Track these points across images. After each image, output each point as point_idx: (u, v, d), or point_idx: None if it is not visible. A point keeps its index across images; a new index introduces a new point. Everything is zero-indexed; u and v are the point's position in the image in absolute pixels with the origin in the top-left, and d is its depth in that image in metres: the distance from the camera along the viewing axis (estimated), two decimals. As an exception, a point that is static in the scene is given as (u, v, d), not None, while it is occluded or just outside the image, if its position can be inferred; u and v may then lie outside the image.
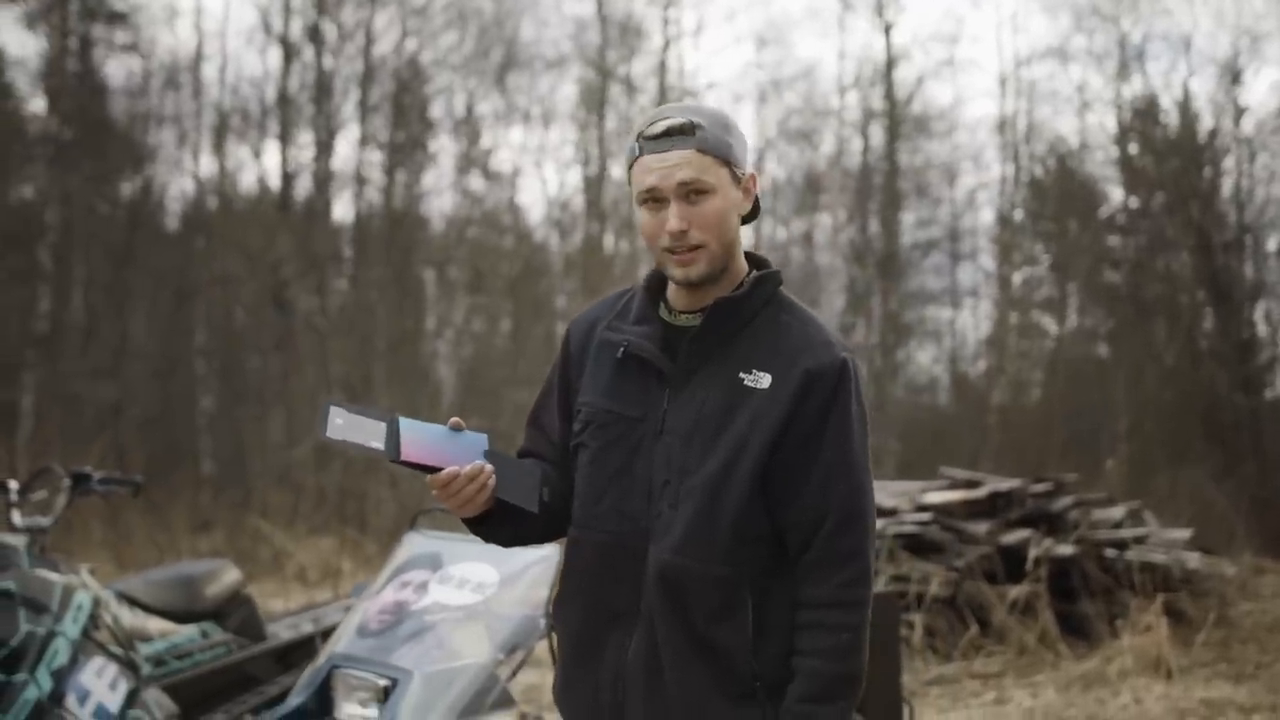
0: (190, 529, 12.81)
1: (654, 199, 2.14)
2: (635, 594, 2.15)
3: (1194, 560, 8.91)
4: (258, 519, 12.67)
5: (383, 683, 3.09)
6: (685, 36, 23.12)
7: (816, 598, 2.11)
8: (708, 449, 2.12)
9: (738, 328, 2.18)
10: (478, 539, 3.60)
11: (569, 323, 2.38)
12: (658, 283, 2.28)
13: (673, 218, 2.11)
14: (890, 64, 21.61)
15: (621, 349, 2.21)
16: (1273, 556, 12.62)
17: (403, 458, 2.03)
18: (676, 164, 2.11)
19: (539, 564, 3.35)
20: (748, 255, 2.27)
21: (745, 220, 2.25)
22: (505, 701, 3.17)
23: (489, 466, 2.09)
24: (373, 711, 3.09)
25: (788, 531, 2.14)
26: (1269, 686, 7.14)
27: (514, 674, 3.29)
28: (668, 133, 2.12)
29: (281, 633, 5.11)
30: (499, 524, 2.21)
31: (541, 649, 3.38)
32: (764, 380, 2.13)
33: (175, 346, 18.91)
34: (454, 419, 2.13)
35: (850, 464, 2.13)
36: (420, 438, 2.07)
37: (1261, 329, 19.49)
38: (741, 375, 2.14)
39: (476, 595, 3.29)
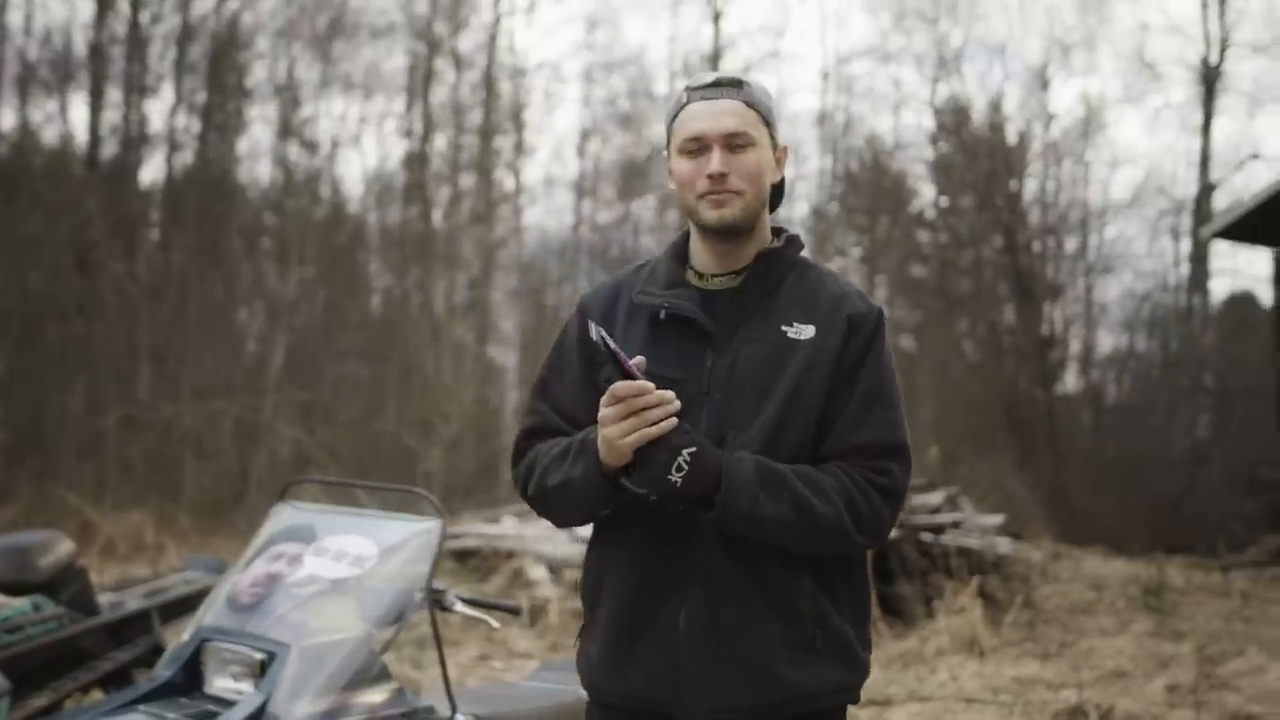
0: (-17, 499, 12.22)
1: (698, 147, 2.17)
2: (689, 555, 2.15)
3: (1004, 545, 9.31)
4: (62, 490, 12.15)
5: (258, 656, 3.00)
6: (517, 13, 22.95)
7: (847, 469, 2.15)
8: (761, 401, 2.15)
9: (775, 284, 2.24)
10: (352, 512, 3.57)
11: (581, 297, 2.38)
12: (683, 250, 2.32)
13: (715, 161, 2.16)
14: (717, 53, 21.89)
15: (663, 311, 2.21)
16: (1068, 542, 13.29)
17: (616, 349, 2.00)
18: (725, 111, 2.17)
19: (419, 537, 3.30)
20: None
21: (775, 195, 2.31)
22: (383, 676, 3.12)
23: (677, 403, 2.02)
24: (247, 685, 3.00)
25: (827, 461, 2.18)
26: (1072, 665, 7.51)
27: (386, 648, 3.25)
28: (718, 83, 2.19)
29: (114, 606, 4.94)
30: (621, 491, 2.11)
31: (419, 622, 3.35)
32: (807, 331, 2.19)
33: (-35, 307, 17.92)
34: (639, 357, 2.06)
35: (886, 396, 2.20)
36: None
37: (1058, 326, 20.45)
38: (784, 328, 2.20)
39: (355, 568, 3.22)
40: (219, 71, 19.23)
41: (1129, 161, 31.28)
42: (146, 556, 10.40)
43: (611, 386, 2.01)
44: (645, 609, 2.19)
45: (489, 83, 21.09)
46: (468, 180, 21.26)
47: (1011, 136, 20.50)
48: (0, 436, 16.79)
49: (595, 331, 2.00)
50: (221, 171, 19.74)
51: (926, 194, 22.36)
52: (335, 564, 3.25)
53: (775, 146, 2.25)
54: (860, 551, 2.23)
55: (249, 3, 19.64)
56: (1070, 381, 21.17)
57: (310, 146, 20.65)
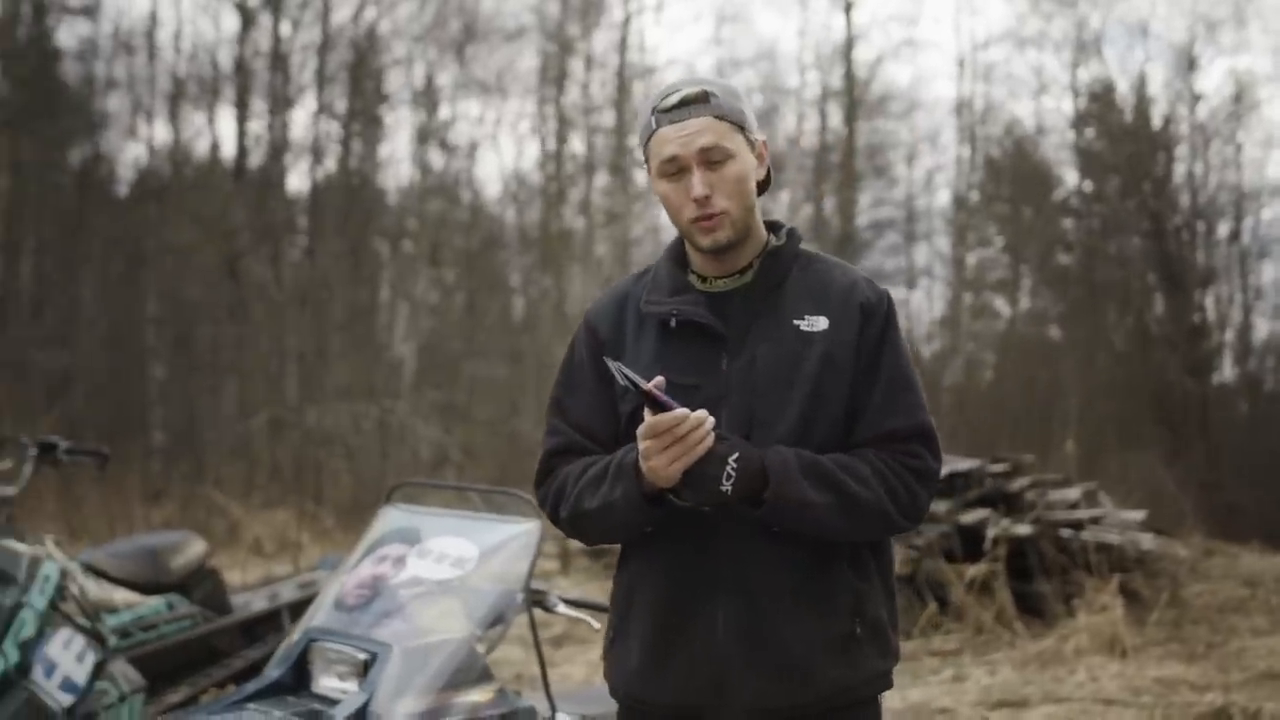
0: (142, 500, 12.68)
1: (676, 169, 2.16)
2: (720, 558, 2.15)
3: (1148, 541, 9.01)
4: (212, 490, 12.56)
5: (362, 656, 3.05)
6: (646, 11, 23.03)
7: (879, 454, 2.16)
8: (785, 398, 2.14)
9: (780, 280, 2.23)
10: (453, 514, 3.61)
11: (586, 311, 2.36)
12: (681, 254, 2.30)
13: (696, 184, 2.13)
14: (850, 44, 21.66)
15: (673, 319, 2.20)
16: (1221, 538, 12.81)
17: (649, 387, 1.97)
18: (696, 131, 2.13)
19: (519, 539, 3.32)
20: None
21: (760, 189, 2.27)
22: (485, 677, 3.15)
23: (712, 419, 2.02)
24: (351, 685, 3.05)
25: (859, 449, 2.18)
26: (1219, 666, 7.25)
27: (491, 649, 3.28)
28: (683, 102, 2.15)
29: (246, 605, 5.08)
30: (672, 509, 2.11)
31: (520, 624, 3.38)
32: (820, 323, 2.18)
33: (126, 315, 18.68)
34: (659, 378, 2.03)
35: (908, 380, 2.21)
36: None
37: (1211, 314, 19.75)
38: (796, 322, 2.18)
39: (456, 570, 3.26)
40: (358, 79, 19.69)
41: (1284, 141, 30.04)
42: (290, 554, 10.69)
43: (650, 422, 1.99)
44: (682, 616, 2.17)
45: (621, 81, 21.19)
46: (602, 179, 21.40)
47: (1157, 119, 19.85)
48: (159, 438, 17.46)
49: (619, 372, 1.98)
50: (363, 177, 20.22)
51: (1070, 180, 21.80)
52: (437, 565, 3.29)
53: (753, 146, 2.21)
54: (899, 534, 2.23)
55: (386, 11, 20.07)
56: (1225, 371, 20.45)
57: (448, 149, 21.02)
